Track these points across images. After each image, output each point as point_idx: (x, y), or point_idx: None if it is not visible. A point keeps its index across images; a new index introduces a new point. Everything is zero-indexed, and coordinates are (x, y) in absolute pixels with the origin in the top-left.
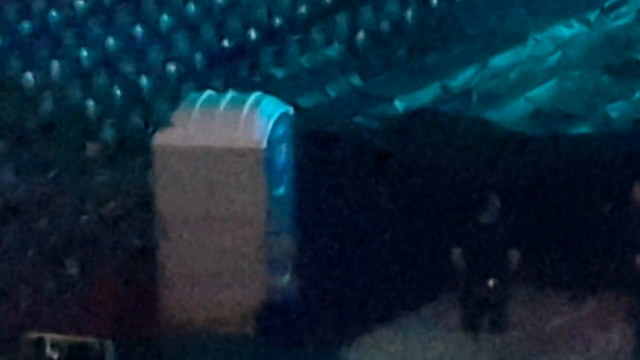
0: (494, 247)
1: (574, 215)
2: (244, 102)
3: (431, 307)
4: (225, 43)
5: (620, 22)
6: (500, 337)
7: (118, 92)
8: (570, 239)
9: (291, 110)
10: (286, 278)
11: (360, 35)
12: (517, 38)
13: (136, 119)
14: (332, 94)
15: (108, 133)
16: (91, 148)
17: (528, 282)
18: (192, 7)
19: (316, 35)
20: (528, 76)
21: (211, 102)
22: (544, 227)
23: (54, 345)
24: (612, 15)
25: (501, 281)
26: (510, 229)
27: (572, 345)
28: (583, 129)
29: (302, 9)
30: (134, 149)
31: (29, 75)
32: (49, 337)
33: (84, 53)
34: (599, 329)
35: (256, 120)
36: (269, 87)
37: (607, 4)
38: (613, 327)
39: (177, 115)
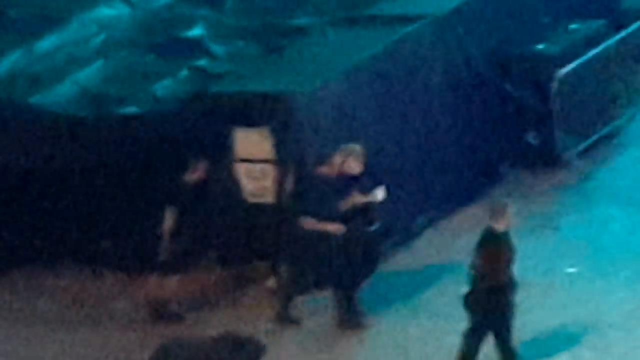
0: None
1: (124, 192)
2: None
3: None
4: None
5: (162, 1)
6: None
7: None
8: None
9: None
10: None
11: None
12: (60, 21)
13: None
14: None
15: None
16: None
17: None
18: None
19: None
20: (73, 58)
21: None
22: (96, 206)
23: None
24: None
25: None
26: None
27: None
28: (130, 108)
29: None
30: None
31: None
32: None
33: None
34: None
35: None
36: None
37: None
38: None
39: None
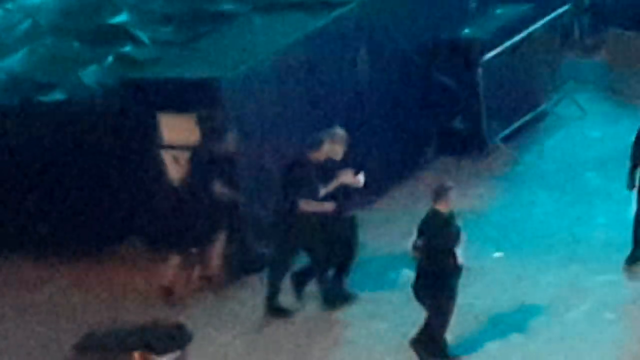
0: None
1: (51, 178)
2: None
3: None
4: None
5: None
6: None
7: None
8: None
9: None
10: None
11: None
12: None
13: None
14: None
15: None
16: None
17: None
18: None
19: None
20: None
21: None
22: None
23: None
24: None
25: None
26: None
27: None
28: (57, 95)
29: None
30: None
31: None
32: None
33: None
34: None
35: None
36: None
37: None
38: None
39: None
